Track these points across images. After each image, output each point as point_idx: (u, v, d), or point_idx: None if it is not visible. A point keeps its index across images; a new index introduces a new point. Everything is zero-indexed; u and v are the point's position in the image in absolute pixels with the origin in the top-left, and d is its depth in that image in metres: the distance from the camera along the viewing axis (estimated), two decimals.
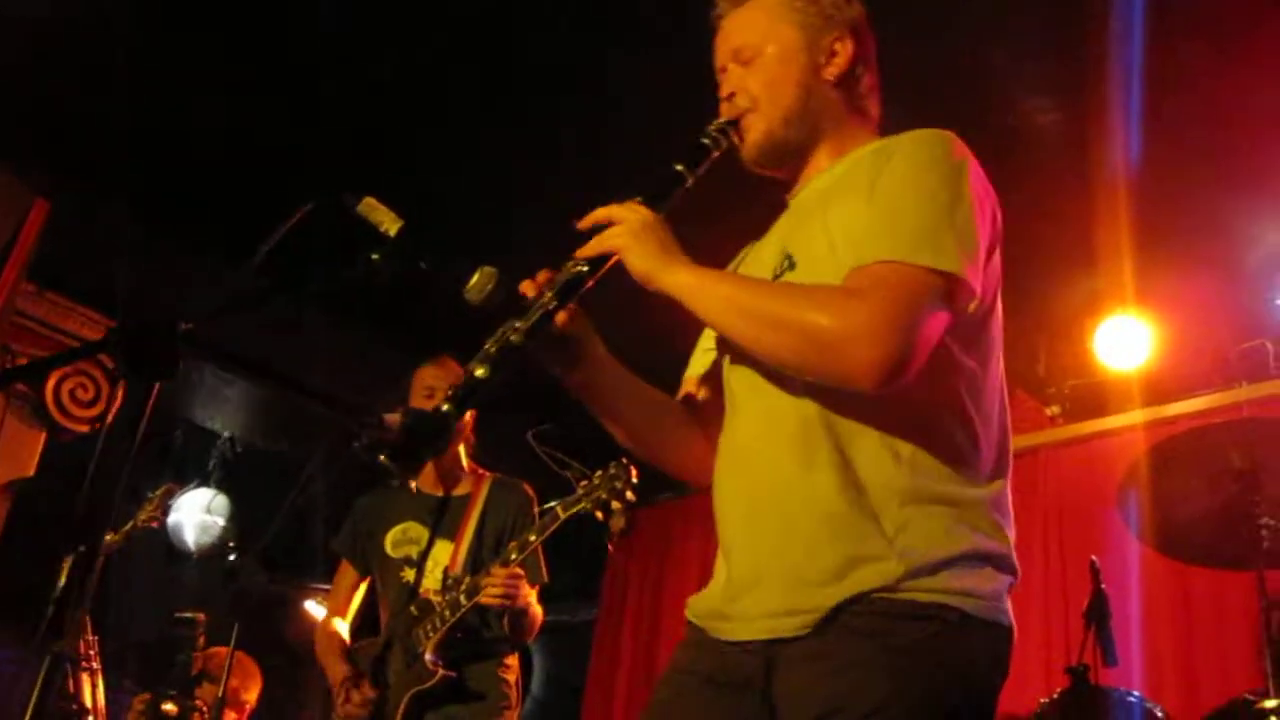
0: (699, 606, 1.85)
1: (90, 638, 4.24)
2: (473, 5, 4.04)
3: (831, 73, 1.98)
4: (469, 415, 3.91)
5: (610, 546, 6.88)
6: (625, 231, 1.78)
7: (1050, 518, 5.26)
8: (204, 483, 6.62)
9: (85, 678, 4.18)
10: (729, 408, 1.91)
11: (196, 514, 6.55)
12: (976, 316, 1.79)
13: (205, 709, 4.44)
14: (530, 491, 3.91)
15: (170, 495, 4.70)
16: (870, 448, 1.70)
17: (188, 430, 6.56)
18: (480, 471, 3.96)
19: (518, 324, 1.78)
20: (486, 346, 1.78)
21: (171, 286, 4.95)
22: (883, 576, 1.63)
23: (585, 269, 1.81)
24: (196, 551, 6.52)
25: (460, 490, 3.89)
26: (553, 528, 3.48)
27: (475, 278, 1.88)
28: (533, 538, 3.50)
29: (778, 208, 2.04)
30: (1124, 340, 5.20)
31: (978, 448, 1.76)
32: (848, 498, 1.68)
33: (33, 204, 4.87)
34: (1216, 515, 3.52)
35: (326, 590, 5.13)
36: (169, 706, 4.26)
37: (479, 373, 1.75)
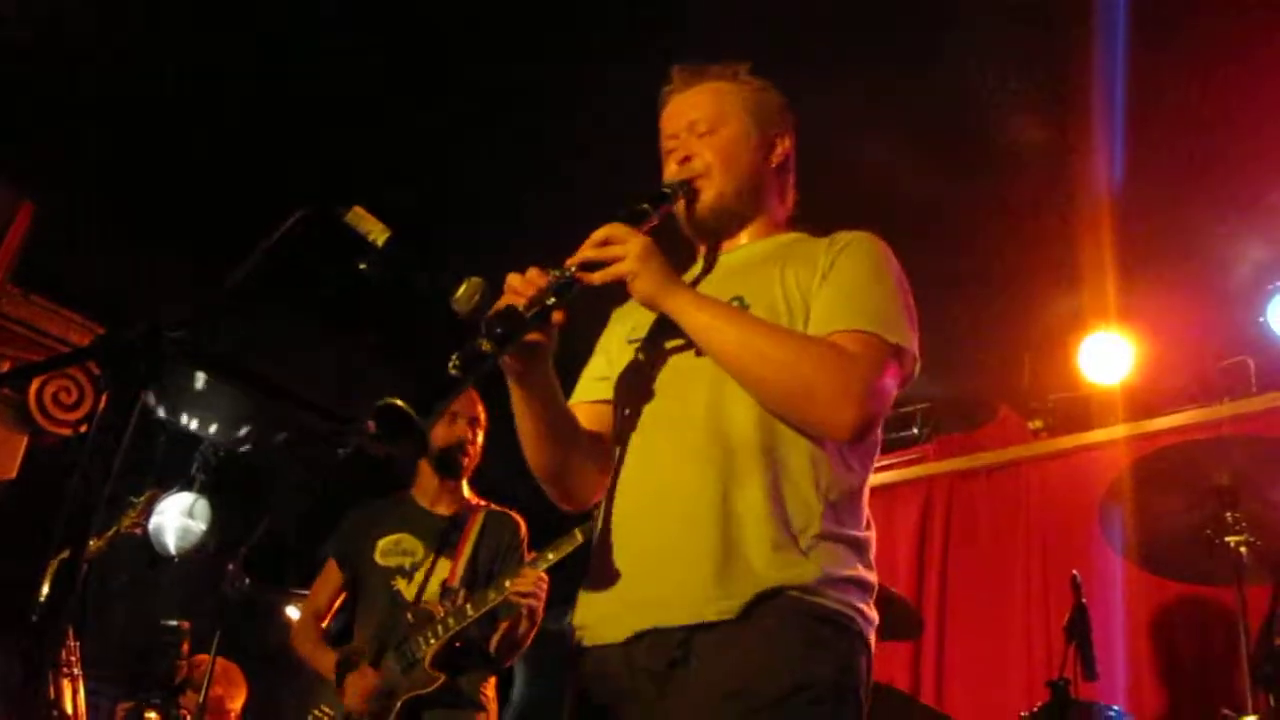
0: (591, 615, 1.96)
1: (71, 643, 4.22)
2: (472, 8, 4.05)
3: (775, 160, 2.25)
4: (479, 442, 4.04)
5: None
6: (632, 256, 1.92)
7: (1033, 531, 5.28)
8: (186, 487, 6.60)
9: (66, 684, 4.16)
10: (642, 428, 2.02)
11: (177, 518, 6.53)
12: None
13: (189, 717, 4.42)
14: (521, 522, 4.03)
15: (154, 501, 4.69)
16: (798, 476, 1.90)
17: (170, 435, 6.54)
18: (476, 500, 4.07)
19: (523, 311, 1.86)
20: (494, 326, 1.84)
21: (158, 291, 4.95)
22: (803, 576, 1.82)
23: (575, 279, 1.90)
24: (177, 556, 6.50)
25: (452, 509, 4.00)
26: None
27: (463, 288, 1.90)
28: (551, 554, 3.64)
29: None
30: (1107, 355, 5.23)
31: (863, 496, 2.01)
32: (775, 512, 1.86)
33: (18, 207, 4.85)
34: (1197, 531, 3.53)
35: (308, 596, 5.13)
36: (152, 715, 4.26)
37: (485, 347, 1.81)
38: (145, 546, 6.23)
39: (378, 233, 1.95)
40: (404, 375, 5.76)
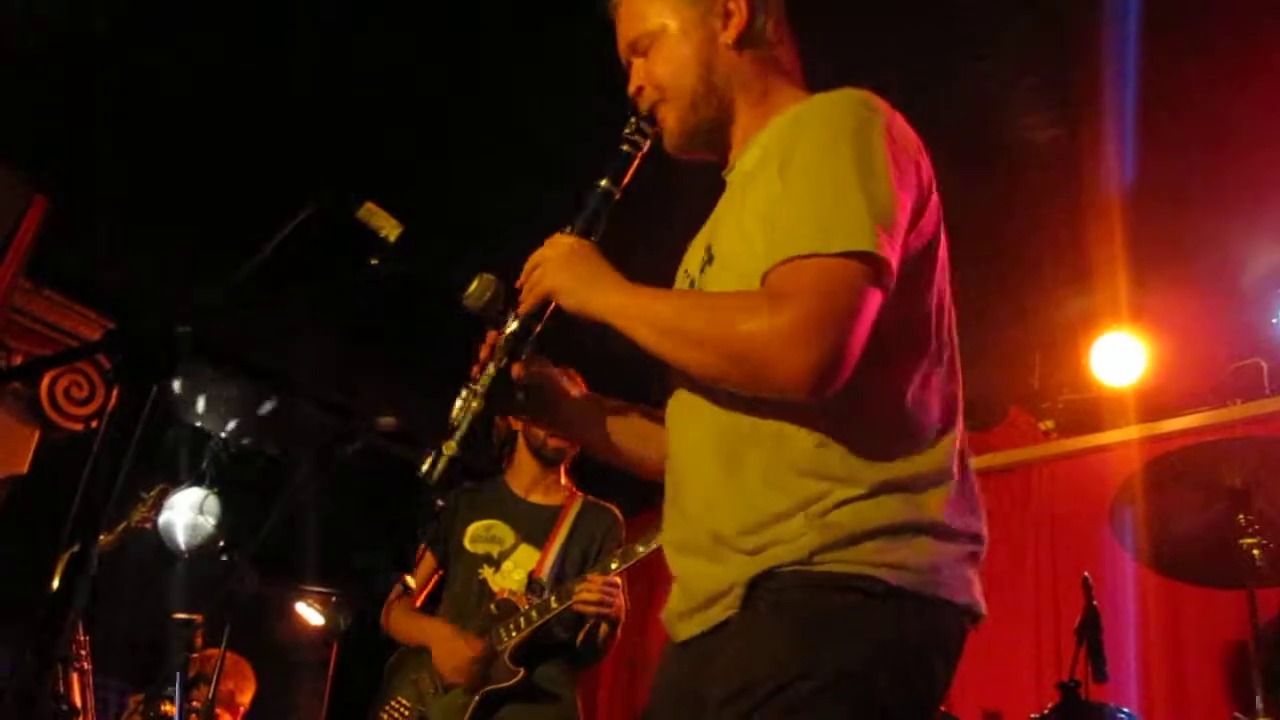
0: (666, 609, 1.86)
1: (81, 638, 4.24)
2: (477, 3, 4.04)
3: (731, 36, 1.90)
4: None
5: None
6: (551, 272, 1.78)
7: (1043, 533, 5.28)
8: (196, 483, 6.61)
9: (75, 677, 4.18)
10: (668, 412, 1.89)
11: (188, 514, 6.53)
12: (906, 270, 1.64)
13: (200, 708, 4.43)
14: (619, 516, 3.95)
15: (164, 496, 4.70)
16: (798, 445, 1.63)
17: (181, 430, 6.55)
18: (574, 489, 3.99)
19: (476, 388, 1.82)
20: (452, 420, 1.80)
21: (170, 286, 4.96)
22: (795, 551, 1.57)
23: (529, 321, 1.83)
24: (187, 552, 6.51)
25: (552, 500, 3.91)
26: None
27: (474, 284, 1.89)
28: (640, 548, 3.54)
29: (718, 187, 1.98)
30: (1119, 357, 5.21)
31: (918, 411, 1.67)
32: (774, 494, 1.63)
33: (31, 200, 4.86)
34: (1209, 533, 3.52)
35: (318, 593, 5.14)
36: (168, 707, 4.27)
37: (451, 450, 1.77)
38: (152, 540, 6.24)
39: (390, 228, 1.95)
40: (414, 372, 5.76)
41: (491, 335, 1.87)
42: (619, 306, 1.71)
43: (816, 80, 1.90)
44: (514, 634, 3.58)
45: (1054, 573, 5.11)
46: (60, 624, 1.59)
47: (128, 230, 5.13)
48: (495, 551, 3.78)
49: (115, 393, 1.67)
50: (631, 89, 1.96)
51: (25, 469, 5.04)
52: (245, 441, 6.71)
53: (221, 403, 6.38)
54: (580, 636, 3.66)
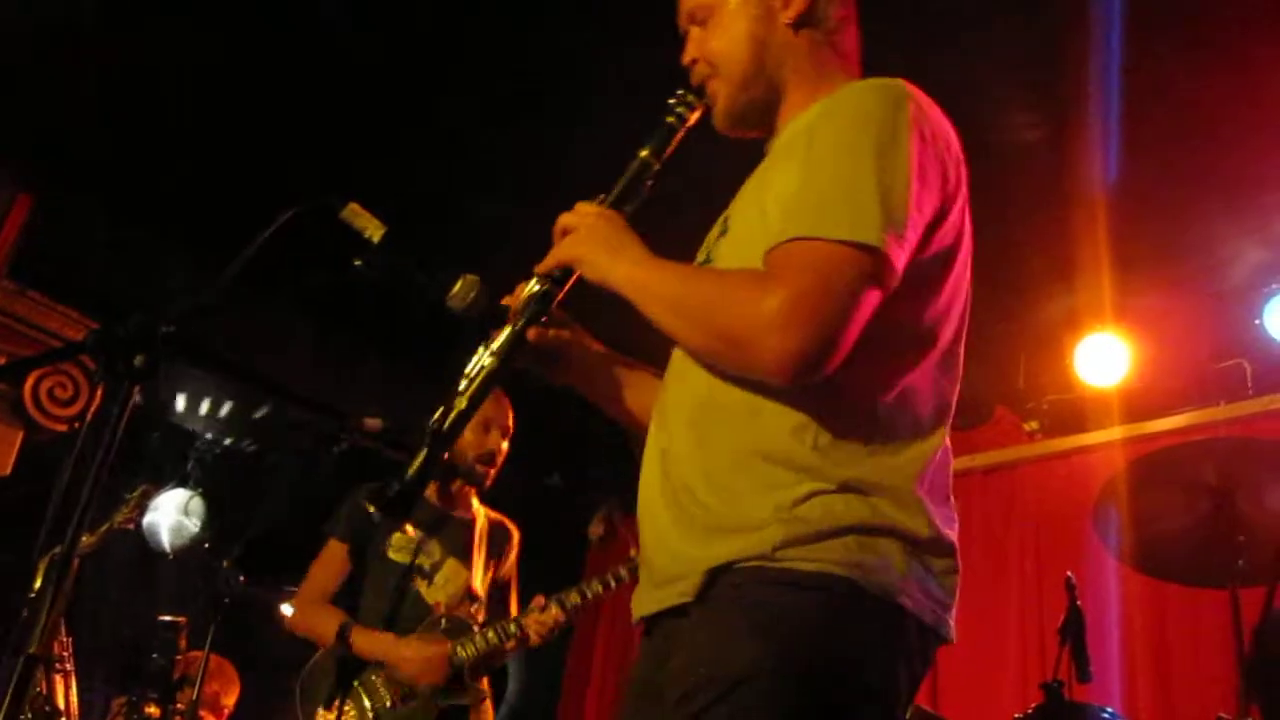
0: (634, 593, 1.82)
1: (64, 639, 4.23)
2: (477, 4, 4.03)
3: (790, 16, 1.85)
4: (505, 451, 3.90)
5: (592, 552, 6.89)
6: (575, 241, 1.76)
7: (1027, 533, 5.29)
8: (181, 484, 6.59)
9: (59, 679, 4.16)
10: (667, 369, 1.85)
11: (172, 515, 6.51)
12: (914, 274, 1.61)
13: (184, 710, 4.43)
14: (515, 532, 4.03)
15: (147, 497, 4.69)
16: (771, 429, 1.59)
17: (166, 431, 6.53)
18: (478, 504, 4.01)
19: (493, 347, 1.80)
20: (466, 375, 1.79)
21: (154, 286, 4.94)
22: (759, 544, 1.53)
23: (549, 286, 1.82)
24: (171, 553, 6.49)
25: (465, 514, 3.93)
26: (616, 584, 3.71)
27: (458, 285, 1.90)
28: (599, 589, 3.71)
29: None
30: (1103, 357, 5.23)
31: (902, 415, 1.63)
32: (738, 476, 1.60)
33: (15, 200, 4.84)
34: (1192, 533, 3.53)
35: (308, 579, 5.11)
36: (152, 709, 4.26)
37: (462, 405, 1.76)
38: (137, 541, 6.22)
39: (373, 229, 1.95)
40: (401, 372, 5.75)
41: (521, 286, 1.85)
42: (636, 281, 1.67)
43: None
44: (470, 651, 3.62)
45: (1038, 572, 5.13)
46: (42, 625, 1.59)
47: (113, 231, 5.12)
48: (427, 564, 3.77)
49: (99, 393, 1.67)
50: (686, 59, 1.92)
51: (9, 470, 5.02)
52: (230, 442, 6.69)
53: (205, 403, 6.36)
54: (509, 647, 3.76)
